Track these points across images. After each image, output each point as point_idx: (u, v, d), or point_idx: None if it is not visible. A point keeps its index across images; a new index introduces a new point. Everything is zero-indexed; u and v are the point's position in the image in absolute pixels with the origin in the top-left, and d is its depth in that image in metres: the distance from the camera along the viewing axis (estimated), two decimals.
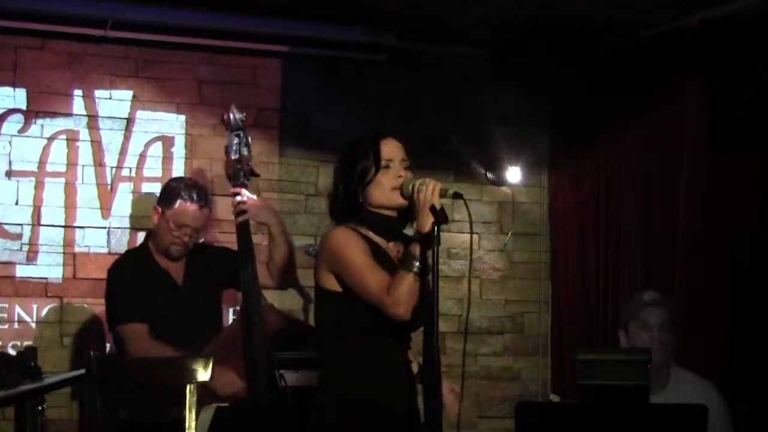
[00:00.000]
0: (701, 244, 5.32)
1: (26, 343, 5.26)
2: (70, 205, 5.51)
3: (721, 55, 5.32)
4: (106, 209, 5.57)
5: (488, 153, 6.20)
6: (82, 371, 3.97)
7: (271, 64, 5.88)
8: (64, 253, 5.48)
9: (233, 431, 4.00)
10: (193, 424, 3.63)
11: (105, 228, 5.55)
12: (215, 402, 4.04)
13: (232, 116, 4.47)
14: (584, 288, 6.06)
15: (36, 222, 5.45)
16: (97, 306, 5.44)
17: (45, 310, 5.44)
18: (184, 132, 5.72)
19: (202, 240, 4.79)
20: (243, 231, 4.39)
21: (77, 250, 5.50)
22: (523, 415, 3.54)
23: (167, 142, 5.69)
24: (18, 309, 5.40)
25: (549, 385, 6.26)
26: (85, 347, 5.22)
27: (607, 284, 5.90)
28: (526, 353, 6.31)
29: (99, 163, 5.58)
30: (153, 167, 5.66)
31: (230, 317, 5.36)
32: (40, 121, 5.49)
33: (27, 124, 5.47)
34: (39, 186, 5.48)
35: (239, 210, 4.38)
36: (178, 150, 5.71)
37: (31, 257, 5.43)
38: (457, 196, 3.34)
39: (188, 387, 3.64)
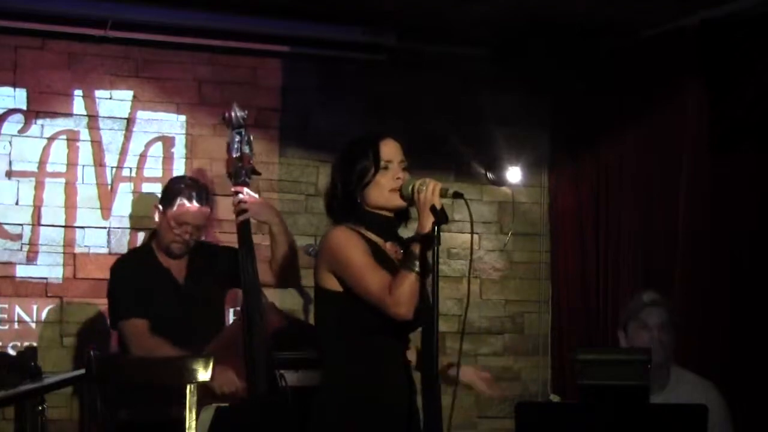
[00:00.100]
0: (701, 244, 5.33)
1: (26, 343, 5.26)
2: (70, 205, 5.51)
3: (721, 55, 5.32)
4: (106, 209, 5.57)
5: (488, 153, 6.20)
6: (82, 371, 3.98)
7: (271, 64, 5.88)
8: (64, 253, 5.48)
9: (233, 431, 4.00)
10: (194, 424, 3.63)
11: (105, 228, 5.55)
12: (213, 401, 4.04)
13: (233, 114, 4.47)
14: (584, 288, 6.06)
15: (36, 222, 5.45)
16: (98, 306, 5.45)
17: (45, 310, 5.44)
18: (184, 132, 5.72)
19: (203, 239, 4.79)
20: (244, 230, 4.39)
21: (77, 250, 5.50)
22: (523, 415, 3.54)
23: (167, 142, 5.70)
24: (18, 309, 5.40)
25: (549, 385, 6.26)
26: (86, 347, 5.25)
27: (607, 284, 5.90)
28: (526, 353, 6.31)
29: (99, 163, 5.58)
30: (153, 167, 5.67)
31: (231, 317, 5.36)
32: (40, 121, 5.49)
33: (27, 124, 5.47)
34: (39, 186, 5.48)
35: (240, 209, 4.39)
36: (179, 150, 5.71)
37: (32, 257, 5.43)
38: (458, 195, 3.34)
39: (188, 387, 3.65)
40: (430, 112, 6.05)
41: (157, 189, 5.56)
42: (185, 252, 4.57)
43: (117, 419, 4.25)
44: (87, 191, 5.55)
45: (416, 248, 3.25)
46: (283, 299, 5.49)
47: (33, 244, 5.44)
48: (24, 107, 5.46)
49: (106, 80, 5.61)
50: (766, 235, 5.29)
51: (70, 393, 5.24)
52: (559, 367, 6.17)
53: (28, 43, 5.47)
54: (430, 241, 3.22)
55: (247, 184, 4.43)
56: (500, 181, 6.26)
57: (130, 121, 5.64)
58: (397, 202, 3.40)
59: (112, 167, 5.60)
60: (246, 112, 4.50)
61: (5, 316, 5.37)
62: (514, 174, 6.22)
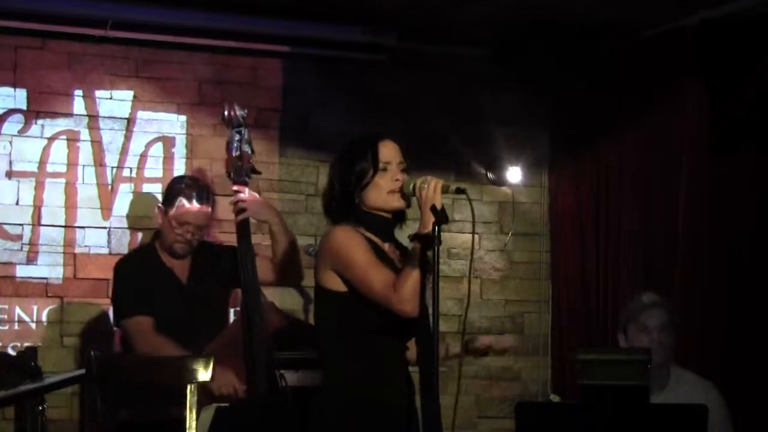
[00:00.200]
0: (701, 244, 5.33)
1: (26, 343, 5.26)
2: (70, 206, 5.51)
3: (721, 55, 5.32)
4: (106, 209, 5.57)
5: (488, 153, 6.20)
6: (82, 371, 3.98)
7: (271, 64, 5.88)
8: (64, 253, 5.48)
9: (233, 431, 4.00)
10: (194, 424, 3.63)
11: (105, 228, 5.55)
12: (213, 402, 4.05)
13: (232, 113, 4.47)
14: (584, 288, 6.06)
15: (36, 222, 5.45)
16: (98, 306, 5.45)
17: (45, 311, 5.44)
18: (184, 132, 5.72)
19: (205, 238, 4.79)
20: (243, 229, 4.39)
21: (77, 250, 5.50)
22: (523, 415, 3.54)
23: (168, 142, 5.70)
24: (18, 309, 5.40)
25: (549, 385, 6.26)
26: (87, 347, 5.26)
27: (607, 284, 5.90)
28: (526, 353, 6.31)
29: (99, 163, 5.58)
30: (153, 167, 5.67)
31: (232, 317, 5.36)
32: (40, 122, 5.49)
33: (27, 124, 5.47)
34: (39, 186, 5.47)
35: (239, 208, 4.39)
36: (179, 150, 5.71)
37: (32, 257, 5.43)
38: (460, 191, 3.35)
39: (189, 387, 3.65)
40: (430, 112, 6.05)
41: (157, 189, 5.57)
42: (188, 252, 4.58)
43: (117, 419, 4.25)
44: (87, 191, 5.55)
45: (418, 247, 3.26)
46: (283, 299, 5.49)
47: (33, 244, 5.44)
48: (24, 107, 5.46)
49: (106, 80, 5.60)
50: (766, 235, 5.29)
51: (70, 393, 5.24)
52: (559, 367, 6.17)
53: (28, 43, 5.47)
54: (430, 240, 3.22)
55: (246, 184, 4.43)
56: (500, 181, 6.26)
57: (130, 121, 5.64)
58: (396, 203, 3.41)
59: (112, 167, 5.60)
60: (245, 110, 4.50)
61: (5, 316, 5.36)
62: (514, 174, 6.22)
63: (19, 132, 5.45)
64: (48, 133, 5.50)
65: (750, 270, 5.32)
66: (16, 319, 5.39)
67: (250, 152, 4.45)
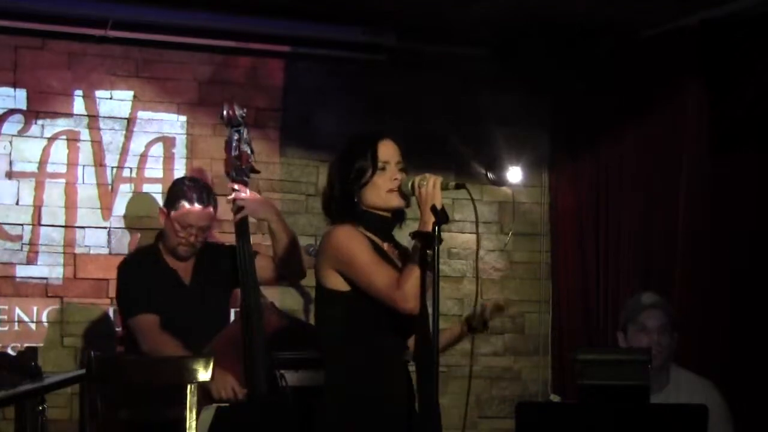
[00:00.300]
0: (701, 244, 5.33)
1: (26, 344, 5.25)
2: (70, 206, 5.51)
3: (721, 55, 5.32)
4: (106, 209, 5.56)
5: (488, 153, 6.19)
6: (82, 371, 3.98)
7: (271, 64, 5.88)
8: (64, 253, 5.48)
9: (233, 431, 4.00)
10: (194, 424, 3.64)
11: (105, 228, 5.55)
12: (212, 402, 4.05)
13: (231, 112, 4.47)
14: (584, 288, 6.06)
15: (36, 222, 5.45)
16: (98, 306, 5.45)
17: (45, 311, 5.44)
18: (185, 132, 5.72)
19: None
20: (241, 228, 4.39)
21: (78, 250, 5.50)
22: (523, 415, 3.54)
23: (168, 142, 5.69)
24: (18, 310, 5.40)
25: (549, 385, 6.26)
26: (87, 347, 5.26)
27: (607, 284, 5.90)
28: (527, 353, 6.31)
29: (99, 163, 5.58)
30: (154, 167, 5.66)
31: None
32: (40, 122, 5.48)
33: (27, 124, 5.47)
34: (39, 186, 5.47)
35: (237, 206, 4.39)
36: (179, 150, 5.71)
37: (32, 258, 5.43)
38: (460, 186, 3.36)
39: (188, 387, 3.65)
40: (430, 112, 6.05)
41: (157, 189, 5.57)
42: (192, 254, 4.58)
43: (117, 419, 4.25)
44: (87, 191, 5.54)
45: (419, 244, 3.26)
46: (283, 299, 5.49)
47: (33, 244, 5.44)
48: (24, 107, 5.46)
49: (106, 80, 5.60)
50: (766, 235, 5.29)
51: (70, 393, 5.24)
52: (559, 367, 6.17)
53: (28, 43, 5.47)
54: (430, 240, 3.22)
55: (245, 183, 4.43)
56: (500, 181, 6.26)
57: (130, 122, 5.64)
58: (395, 202, 3.41)
59: (112, 167, 5.60)
60: (244, 110, 4.50)
61: (5, 317, 5.36)
62: (514, 174, 6.22)
63: (19, 132, 5.45)
64: (48, 133, 5.50)
65: (750, 270, 5.32)
66: (16, 319, 5.39)
67: (249, 152, 4.45)
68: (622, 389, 3.57)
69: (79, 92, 5.56)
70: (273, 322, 4.36)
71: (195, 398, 3.68)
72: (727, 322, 5.30)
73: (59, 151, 5.51)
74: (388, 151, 3.43)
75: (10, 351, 5.20)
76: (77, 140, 5.54)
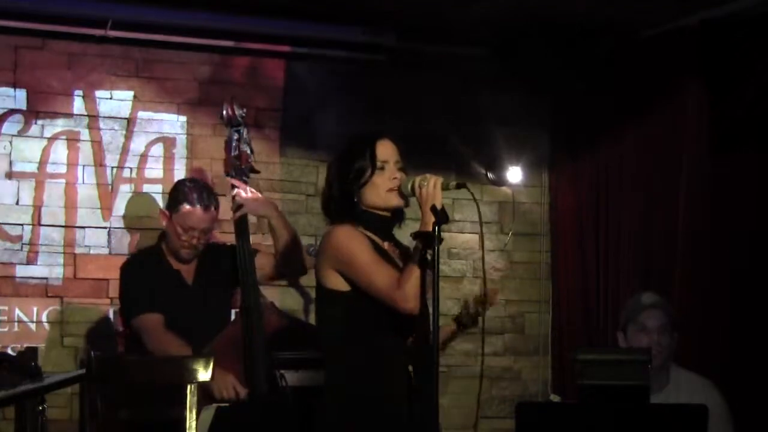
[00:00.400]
0: (701, 244, 5.33)
1: (26, 344, 5.25)
2: (70, 206, 5.51)
3: (721, 55, 5.32)
4: (106, 210, 5.56)
5: (488, 153, 6.19)
6: (82, 371, 3.98)
7: (271, 64, 5.88)
8: (64, 253, 5.48)
9: (233, 431, 4.00)
10: (194, 424, 3.64)
11: (105, 228, 5.55)
12: (212, 402, 4.05)
13: (231, 112, 4.47)
14: (584, 288, 6.06)
15: (36, 222, 5.45)
16: (98, 306, 5.45)
17: (45, 311, 5.43)
18: (185, 132, 5.72)
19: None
20: (240, 226, 4.39)
21: (77, 250, 5.50)
22: (523, 415, 3.54)
23: (168, 142, 5.69)
24: (18, 310, 5.40)
25: (549, 385, 6.26)
26: (87, 347, 5.26)
27: (607, 284, 5.90)
28: (527, 353, 6.31)
29: (99, 163, 5.58)
30: (154, 167, 5.66)
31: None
32: (40, 122, 5.48)
33: (27, 124, 5.47)
34: (39, 186, 5.47)
35: (237, 204, 4.39)
36: (179, 150, 5.71)
37: (32, 258, 5.43)
38: (461, 186, 3.36)
39: (188, 387, 3.65)
40: (430, 112, 6.05)
41: (157, 189, 5.58)
42: (195, 256, 4.58)
43: (117, 419, 4.25)
44: (87, 191, 5.54)
45: (419, 245, 3.26)
46: (283, 299, 5.49)
47: (33, 244, 5.44)
48: (24, 107, 5.46)
49: (106, 80, 5.60)
50: (766, 235, 5.29)
51: (70, 393, 5.24)
52: (559, 367, 6.17)
53: (28, 43, 5.47)
54: (431, 240, 3.23)
55: (245, 183, 4.44)
56: (500, 181, 6.26)
57: (130, 122, 5.64)
58: (394, 202, 3.42)
59: (112, 167, 5.59)
60: (244, 110, 4.50)
61: (5, 317, 5.36)
62: (514, 174, 6.22)
63: (19, 132, 5.45)
64: (48, 134, 5.50)
65: (750, 270, 5.32)
66: (16, 319, 5.39)
67: (249, 152, 4.45)
68: (622, 389, 3.57)
69: (79, 92, 5.56)
70: (273, 322, 4.36)
71: (195, 398, 3.68)
72: (727, 322, 5.30)
73: (59, 151, 5.51)
74: (386, 150, 3.44)
75: (9, 351, 5.20)
76: (77, 140, 5.54)
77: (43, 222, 5.46)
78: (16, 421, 4.16)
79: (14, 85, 5.45)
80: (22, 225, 5.43)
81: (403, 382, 3.40)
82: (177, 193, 4.56)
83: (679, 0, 5.24)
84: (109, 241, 5.55)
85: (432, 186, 3.30)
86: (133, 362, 4.14)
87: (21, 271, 5.42)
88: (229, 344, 4.29)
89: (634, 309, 4.45)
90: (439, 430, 3.32)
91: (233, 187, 4.42)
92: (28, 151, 5.46)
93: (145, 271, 4.56)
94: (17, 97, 5.46)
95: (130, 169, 5.62)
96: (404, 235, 3.49)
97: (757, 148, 5.37)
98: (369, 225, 3.42)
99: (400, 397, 3.38)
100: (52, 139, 5.50)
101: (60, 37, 5.48)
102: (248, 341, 4.25)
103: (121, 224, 5.57)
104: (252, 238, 4.49)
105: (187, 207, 4.49)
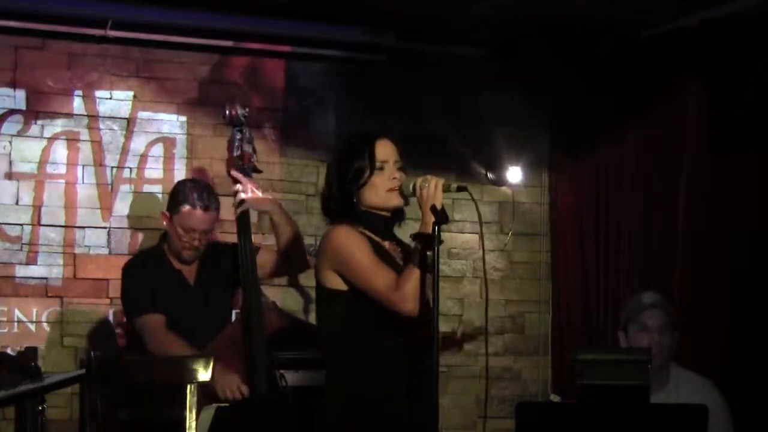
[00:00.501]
0: (701, 244, 5.33)
1: (26, 344, 5.24)
2: (70, 206, 5.51)
3: (721, 55, 5.32)
4: (106, 210, 5.56)
5: (488, 153, 6.19)
6: (82, 371, 3.98)
7: (271, 64, 5.88)
8: (64, 253, 5.48)
9: (233, 431, 4.00)
10: (194, 424, 3.64)
11: (105, 228, 5.55)
12: (214, 402, 4.05)
13: (234, 112, 4.47)
14: (584, 288, 6.06)
15: (36, 222, 5.45)
16: (98, 306, 5.45)
17: (45, 311, 5.43)
18: (185, 132, 5.72)
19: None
20: (242, 222, 4.39)
21: (77, 250, 5.49)
22: (523, 415, 3.54)
23: (168, 142, 5.69)
24: (18, 310, 5.39)
25: (549, 385, 6.26)
26: (87, 347, 5.26)
27: (607, 284, 5.90)
28: (527, 353, 6.31)
29: (99, 163, 5.58)
30: (154, 168, 5.66)
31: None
32: (40, 122, 5.48)
33: (27, 124, 5.47)
34: (39, 186, 5.47)
35: (238, 200, 4.39)
36: (179, 150, 5.71)
37: (31, 258, 5.43)
38: (461, 188, 3.36)
39: (188, 387, 3.65)
40: (430, 112, 6.05)
41: (157, 190, 5.58)
42: (196, 257, 4.58)
43: (117, 419, 4.25)
44: (87, 191, 5.54)
45: (419, 246, 3.26)
46: (283, 299, 5.49)
47: (33, 244, 5.43)
48: (24, 107, 5.46)
49: (106, 80, 5.60)
50: (766, 235, 5.29)
51: (70, 393, 5.24)
52: (559, 367, 6.17)
53: (28, 43, 5.47)
54: (431, 241, 3.23)
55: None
56: (500, 181, 6.26)
57: (130, 122, 5.64)
58: (394, 201, 3.42)
59: (112, 167, 5.59)
60: (247, 110, 4.50)
61: (5, 318, 5.36)
62: (514, 174, 6.22)
63: (18, 132, 5.45)
64: (48, 134, 5.50)
65: (750, 270, 5.32)
66: (16, 319, 5.39)
67: (251, 151, 4.46)
68: (622, 389, 3.57)
69: (78, 92, 5.56)
70: (273, 321, 4.36)
71: (195, 398, 3.68)
72: (727, 322, 5.30)
73: (59, 151, 5.51)
74: (385, 150, 3.44)
75: (9, 351, 5.19)
76: (77, 140, 5.54)
77: (42, 222, 5.46)
78: (16, 421, 4.16)
79: (14, 85, 5.45)
80: (21, 225, 5.43)
81: (403, 382, 3.40)
82: (177, 194, 4.56)
83: (679, 0, 5.24)
84: (108, 242, 5.55)
85: (433, 187, 3.30)
86: (133, 362, 4.14)
87: (21, 271, 5.42)
88: (229, 344, 4.29)
89: (634, 308, 4.45)
90: (439, 430, 3.32)
91: (235, 181, 4.42)
92: (28, 151, 5.46)
93: (146, 272, 4.56)
94: (17, 97, 5.45)
95: (130, 169, 5.62)
96: (404, 235, 3.49)
97: (757, 148, 5.37)
98: (369, 225, 3.42)
99: (400, 397, 3.38)
100: (52, 139, 5.50)
101: (60, 37, 5.48)
102: (249, 341, 4.25)
103: (120, 224, 5.57)
104: (252, 238, 4.49)
105: (187, 208, 4.49)
